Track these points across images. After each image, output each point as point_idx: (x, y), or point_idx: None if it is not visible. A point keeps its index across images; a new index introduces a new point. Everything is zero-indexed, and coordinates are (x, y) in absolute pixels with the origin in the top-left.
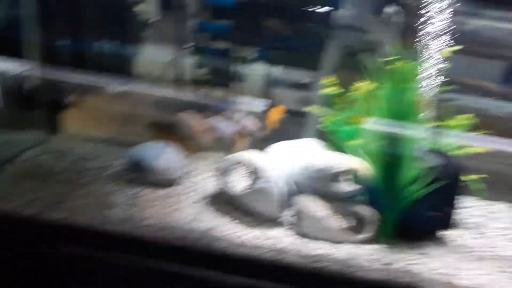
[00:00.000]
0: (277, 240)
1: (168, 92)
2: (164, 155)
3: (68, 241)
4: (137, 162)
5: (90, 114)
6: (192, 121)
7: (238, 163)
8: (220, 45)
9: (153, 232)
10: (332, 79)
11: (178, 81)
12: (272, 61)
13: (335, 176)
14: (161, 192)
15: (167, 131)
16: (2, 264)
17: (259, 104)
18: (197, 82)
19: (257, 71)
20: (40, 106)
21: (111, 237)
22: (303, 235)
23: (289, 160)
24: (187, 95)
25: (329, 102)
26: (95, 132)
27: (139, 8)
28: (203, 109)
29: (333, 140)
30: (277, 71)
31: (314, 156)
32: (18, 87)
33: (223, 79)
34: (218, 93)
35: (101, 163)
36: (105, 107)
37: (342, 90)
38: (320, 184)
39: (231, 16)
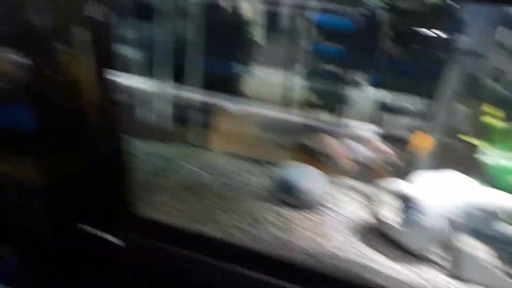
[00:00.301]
0: (430, 280)
1: (280, 114)
2: (310, 177)
3: (216, 255)
4: (284, 182)
5: (226, 131)
6: (332, 144)
7: (389, 191)
8: (332, 68)
9: (301, 256)
10: (494, 109)
11: (288, 103)
12: (385, 86)
13: (501, 216)
14: (307, 214)
15: (307, 153)
16: (150, 270)
17: (370, 129)
18: (307, 105)
19: (368, 95)
20: (189, 123)
21: (260, 257)
22: (459, 277)
23: (441, 193)
24: (299, 116)
25: (481, 133)
26: (233, 149)
27: (251, 30)
28: (315, 132)
29: (489, 175)
30: (390, 96)
31: (474, 192)
32: (174, 105)
33: (333, 102)
34: (327, 116)
35: (244, 179)
36: (234, 125)
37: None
38: (482, 224)
39: (345, 39)
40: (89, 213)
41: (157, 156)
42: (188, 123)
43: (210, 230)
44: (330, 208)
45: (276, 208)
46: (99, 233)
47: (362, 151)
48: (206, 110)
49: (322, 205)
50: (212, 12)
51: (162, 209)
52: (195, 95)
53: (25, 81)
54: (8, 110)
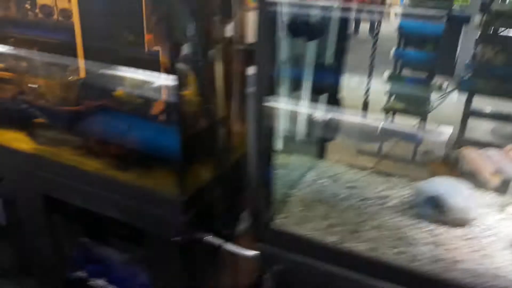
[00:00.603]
0: None
1: (365, 120)
2: (460, 192)
3: (371, 275)
4: (431, 197)
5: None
6: (475, 156)
7: None
8: (418, 73)
9: (464, 277)
10: None
11: (371, 108)
12: (476, 90)
13: None
14: (458, 232)
15: (446, 165)
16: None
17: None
18: (392, 110)
19: (455, 100)
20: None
21: (420, 277)
22: None
23: None
24: (385, 123)
25: None
26: (362, 162)
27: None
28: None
29: None
30: (480, 101)
31: None
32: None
33: (418, 107)
34: (411, 121)
35: (375, 192)
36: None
37: None
38: None
39: (432, 43)
40: (223, 225)
41: (289, 169)
42: (316, 136)
43: (353, 245)
44: (481, 225)
45: (423, 224)
46: (234, 246)
47: (505, 163)
48: (332, 123)
49: (474, 222)
50: (342, 27)
51: (299, 223)
52: (321, 109)
53: (173, 105)
54: (156, 133)
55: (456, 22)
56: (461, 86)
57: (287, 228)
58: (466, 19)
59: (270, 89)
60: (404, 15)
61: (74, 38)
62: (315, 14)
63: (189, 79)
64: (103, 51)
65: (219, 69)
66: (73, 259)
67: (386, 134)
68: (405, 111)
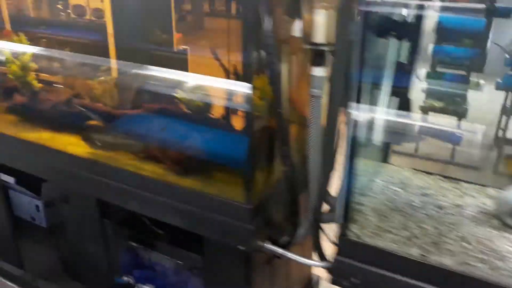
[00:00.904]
0: None
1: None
2: None
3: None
4: None
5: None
6: None
7: None
8: (457, 70)
9: None
10: None
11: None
12: None
13: None
14: None
15: None
16: None
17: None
18: (431, 109)
19: (496, 98)
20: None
21: None
22: None
23: None
24: (423, 122)
25: None
26: (427, 167)
27: None
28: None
29: None
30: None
31: None
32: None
33: (457, 106)
34: (449, 120)
35: (449, 200)
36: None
37: None
38: None
39: (473, 39)
40: (283, 232)
41: (358, 175)
42: (383, 140)
43: (438, 258)
44: None
45: (508, 234)
46: (294, 254)
47: None
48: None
49: None
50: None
51: (375, 233)
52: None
53: (242, 110)
54: (219, 137)
55: (497, 16)
56: (501, 83)
57: (363, 239)
58: (509, 13)
59: (346, 93)
60: (442, 9)
61: (107, 38)
62: (399, 12)
63: (256, 82)
64: (140, 52)
65: (285, 70)
66: (121, 264)
67: (425, 133)
68: (445, 110)
